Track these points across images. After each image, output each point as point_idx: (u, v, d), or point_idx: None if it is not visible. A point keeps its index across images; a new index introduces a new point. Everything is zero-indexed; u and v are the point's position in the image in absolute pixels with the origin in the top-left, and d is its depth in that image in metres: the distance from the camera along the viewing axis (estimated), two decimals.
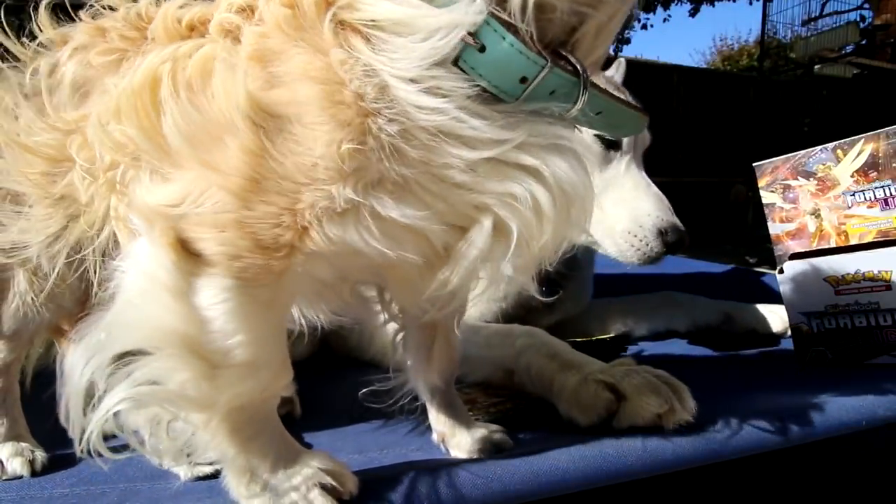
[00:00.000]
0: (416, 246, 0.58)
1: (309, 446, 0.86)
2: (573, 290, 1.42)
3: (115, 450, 0.60)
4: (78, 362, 0.58)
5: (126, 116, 0.58)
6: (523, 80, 0.54)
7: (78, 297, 0.83)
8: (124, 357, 0.58)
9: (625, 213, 1.25)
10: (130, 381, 0.57)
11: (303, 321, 0.71)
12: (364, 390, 0.83)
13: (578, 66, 0.55)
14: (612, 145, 1.28)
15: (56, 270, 0.77)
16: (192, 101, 0.55)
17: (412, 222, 0.55)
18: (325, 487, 0.60)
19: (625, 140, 1.27)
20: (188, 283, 0.56)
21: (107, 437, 0.59)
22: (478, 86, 0.53)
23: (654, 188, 1.29)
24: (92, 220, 0.72)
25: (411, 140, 0.53)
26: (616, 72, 1.46)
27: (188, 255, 0.55)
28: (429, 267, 0.60)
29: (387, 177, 0.53)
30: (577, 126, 0.61)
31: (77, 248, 0.75)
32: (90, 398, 0.58)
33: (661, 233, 1.24)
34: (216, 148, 0.54)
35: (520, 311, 1.35)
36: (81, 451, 0.58)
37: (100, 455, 0.59)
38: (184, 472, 0.72)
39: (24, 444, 0.82)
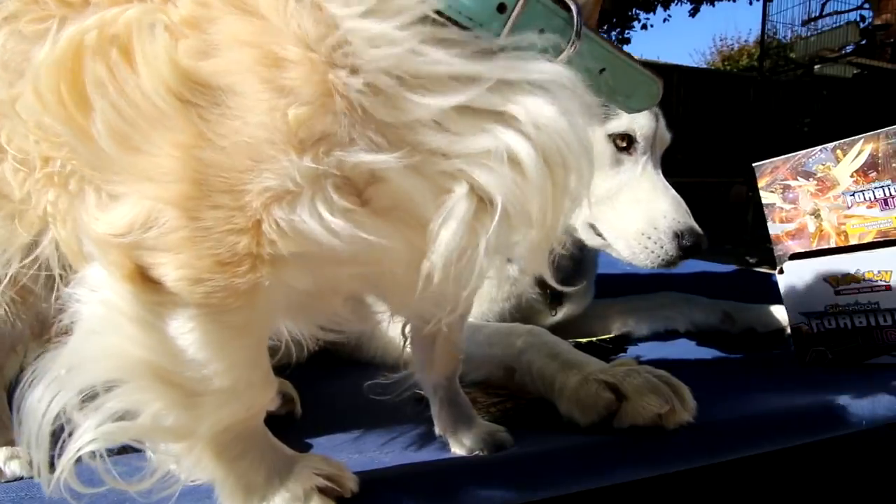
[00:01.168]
0: (396, 223, 0.48)
1: (309, 446, 0.87)
2: (575, 293, 1.42)
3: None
4: (40, 403, 0.52)
5: (49, 106, 0.50)
6: (501, 7, 0.45)
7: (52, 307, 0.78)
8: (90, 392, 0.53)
9: (639, 214, 1.21)
10: (99, 418, 0.52)
11: (288, 338, 0.65)
12: (368, 382, 0.82)
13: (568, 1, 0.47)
14: (624, 148, 1.25)
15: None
16: (120, 86, 0.47)
17: (389, 166, 0.45)
18: (323, 491, 0.59)
19: (641, 142, 1.24)
20: (152, 312, 0.50)
21: None
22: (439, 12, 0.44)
23: (673, 191, 1.25)
24: (30, 223, 0.64)
25: (378, 94, 0.44)
26: None
27: (148, 283, 0.50)
28: (419, 254, 0.50)
29: (359, 140, 0.45)
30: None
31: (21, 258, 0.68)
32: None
33: (678, 236, 1.18)
34: (147, 148, 0.47)
35: (522, 311, 1.35)
36: (51, 493, 0.53)
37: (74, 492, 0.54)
38: (184, 472, 0.72)
39: (18, 448, 0.81)
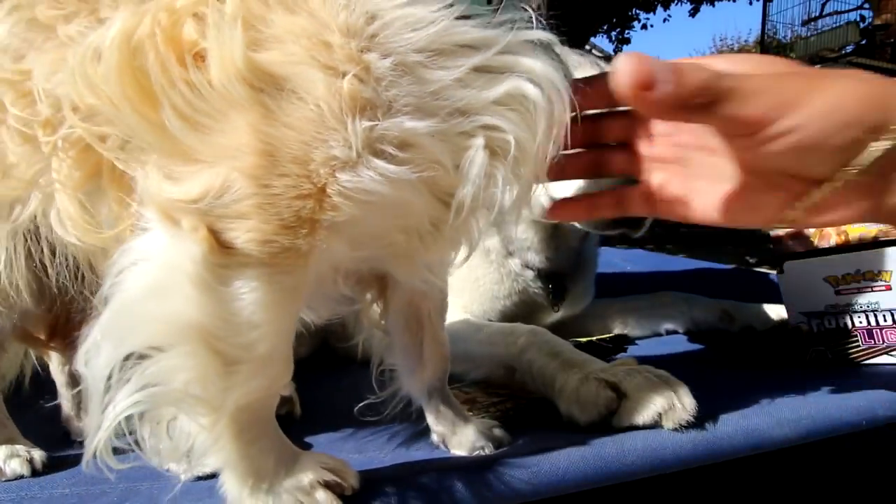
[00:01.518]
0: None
1: (309, 446, 0.87)
2: (577, 290, 1.42)
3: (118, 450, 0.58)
4: (92, 365, 0.56)
5: (124, 112, 0.55)
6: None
7: (37, 299, 0.79)
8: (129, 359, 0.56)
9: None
10: (138, 383, 0.55)
11: None
12: (357, 406, 0.83)
13: None
14: None
15: None
16: (189, 80, 0.53)
17: (421, 131, 0.54)
18: (327, 485, 0.60)
19: None
20: (216, 274, 0.54)
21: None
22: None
23: None
24: (13, 188, 0.68)
25: (406, 71, 0.53)
26: None
27: (220, 246, 0.54)
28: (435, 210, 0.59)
29: (397, 107, 0.54)
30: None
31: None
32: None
33: None
34: (220, 129, 0.53)
35: (523, 309, 1.35)
36: (87, 466, 0.56)
37: (108, 466, 0.57)
38: (183, 471, 0.72)
39: (18, 446, 0.82)
